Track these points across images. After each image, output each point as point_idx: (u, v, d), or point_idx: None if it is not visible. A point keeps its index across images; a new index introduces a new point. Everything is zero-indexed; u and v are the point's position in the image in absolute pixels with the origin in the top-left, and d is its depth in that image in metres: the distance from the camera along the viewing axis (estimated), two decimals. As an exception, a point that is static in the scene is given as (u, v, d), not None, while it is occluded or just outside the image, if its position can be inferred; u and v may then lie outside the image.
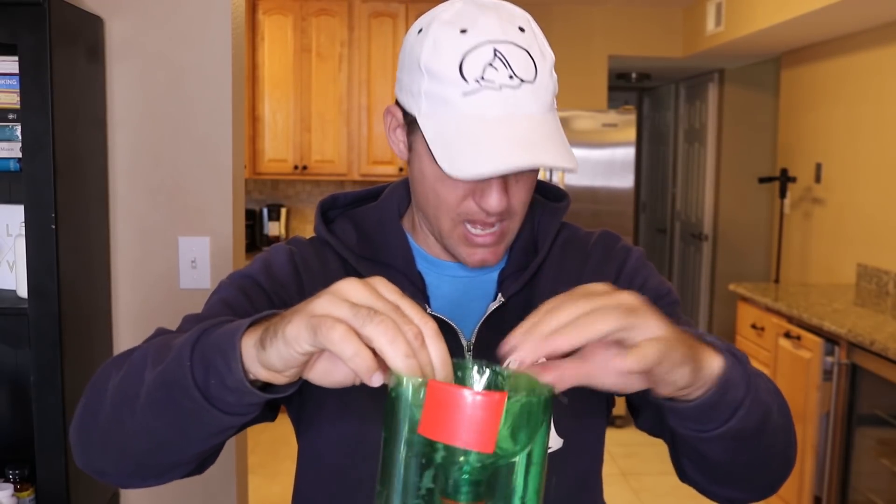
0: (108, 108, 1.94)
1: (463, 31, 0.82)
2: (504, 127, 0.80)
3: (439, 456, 0.56)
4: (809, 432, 3.13)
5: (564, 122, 4.75)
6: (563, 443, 0.96)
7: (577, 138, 4.77)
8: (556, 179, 4.76)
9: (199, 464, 0.79)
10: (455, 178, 0.81)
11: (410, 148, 0.90)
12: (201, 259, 1.97)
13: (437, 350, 0.60)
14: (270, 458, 3.52)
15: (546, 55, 0.85)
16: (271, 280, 0.93)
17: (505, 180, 0.86)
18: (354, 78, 4.55)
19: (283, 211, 4.86)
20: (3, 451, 1.94)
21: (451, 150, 0.81)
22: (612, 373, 0.66)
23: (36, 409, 1.67)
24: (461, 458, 0.56)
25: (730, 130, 5.80)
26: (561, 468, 0.96)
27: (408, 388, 0.57)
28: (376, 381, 0.58)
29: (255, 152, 4.58)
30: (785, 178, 4.68)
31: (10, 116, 1.69)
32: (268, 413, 0.89)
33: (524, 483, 0.59)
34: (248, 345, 0.64)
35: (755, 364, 3.67)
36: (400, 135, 0.91)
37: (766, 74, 5.64)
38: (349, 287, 0.62)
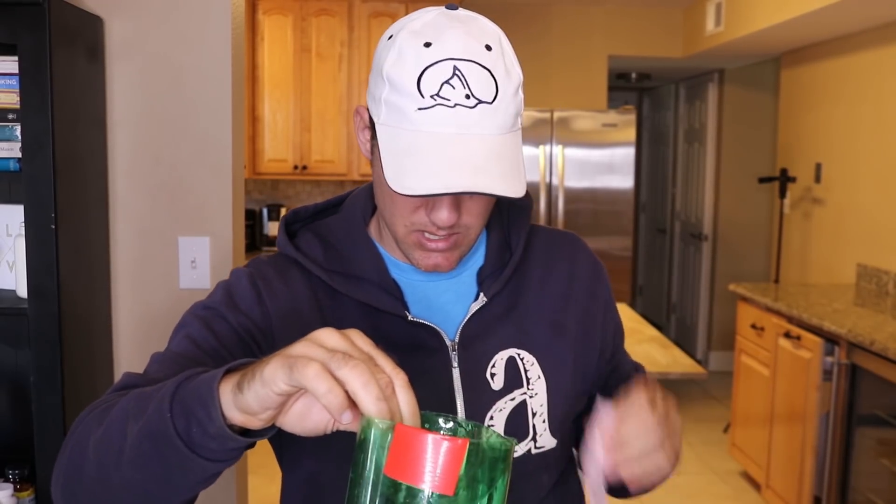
0: (108, 108, 1.94)
1: (427, 45, 0.82)
2: (453, 147, 0.80)
3: (402, 497, 0.58)
4: (809, 432, 3.13)
5: (564, 122, 4.76)
6: (556, 442, 0.98)
7: (577, 138, 4.77)
8: (555, 182, 4.76)
9: None
10: (394, 193, 0.83)
11: (373, 151, 0.90)
12: (201, 259, 1.97)
13: (406, 400, 0.62)
14: (270, 458, 3.50)
15: (512, 75, 0.84)
16: (234, 310, 0.91)
17: (457, 197, 0.86)
18: (354, 78, 4.55)
19: (283, 211, 4.86)
20: (3, 451, 1.94)
21: (398, 163, 0.81)
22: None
23: (36, 409, 1.67)
24: (423, 502, 0.58)
25: (730, 130, 5.80)
26: (553, 465, 0.99)
27: (376, 431, 0.59)
28: (346, 418, 0.60)
29: (255, 152, 4.58)
30: (785, 178, 4.68)
31: (10, 116, 1.69)
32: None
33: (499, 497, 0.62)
34: (226, 390, 0.65)
35: (754, 365, 3.67)
36: (367, 135, 0.92)
37: (766, 74, 5.64)
38: (326, 335, 0.64)
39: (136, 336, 1.98)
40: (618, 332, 1.11)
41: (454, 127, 0.81)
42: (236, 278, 0.95)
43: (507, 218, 1.03)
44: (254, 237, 4.85)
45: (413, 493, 0.58)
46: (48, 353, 1.65)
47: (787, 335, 3.30)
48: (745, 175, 5.69)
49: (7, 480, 1.76)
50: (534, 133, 4.70)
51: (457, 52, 0.81)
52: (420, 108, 0.81)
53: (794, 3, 3.77)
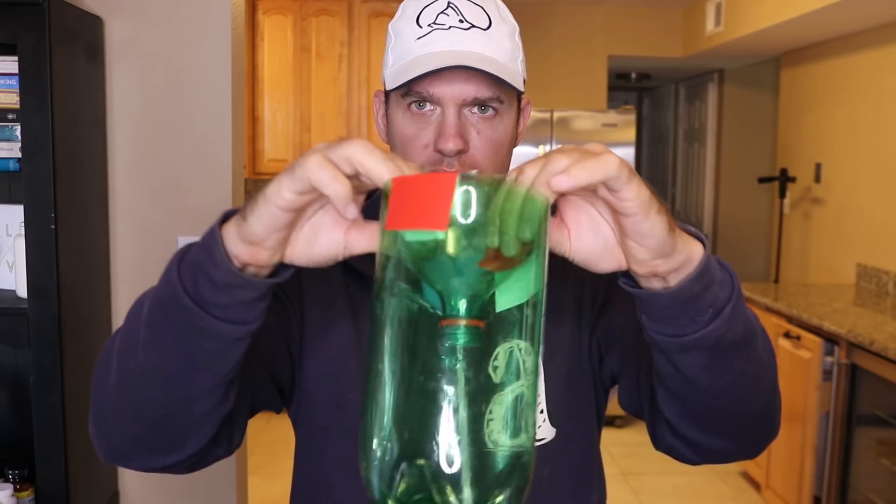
0: (108, 108, 1.94)
1: None
2: (446, 53, 0.86)
3: (436, 275, 0.58)
4: (809, 432, 3.13)
5: (564, 122, 4.76)
6: (556, 432, 0.96)
7: (577, 138, 4.77)
8: (555, 179, 4.76)
9: (216, 436, 0.76)
10: (392, 89, 0.90)
11: (388, 130, 0.96)
12: (201, 259, 1.96)
13: (405, 161, 0.63)
14: (270, 458, 3.52)
15: (506, 20, 0.91)
16: None
17: (461, 126, 0.88)
18: (354, 78, 4.55)
19: (283, 211, 4.86)
20: (3, 451, 1.94)
21: (399, 77, 0.89)
22: (587, 216, 0.67)
23: (36, 409, 1.67)
24: (455, 276, 0.57)
25: (730, 130, 5.80)
26: (555, 458, 0.96)
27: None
28: (351, 212, 0.61)
29: (254, 152, 4.58)
30: (784, 178, 4.68)
31: (10, 116, 1.69)
32: (275, 396, 0.92)
33: (535, 275, 0.60)
34: (229, 228, 0.66)
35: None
36: (383, 112, 0.98)
37: (766, 74, 5.64)
38: (316, 144, 0.65)
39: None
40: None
41: (448, 44, 0.87)
42: None
43: None
44: (254, 237, 4.85)
45: (442, 268, 0.57)
46: (48, 353, 1.65)
47: (787, 335, 3.30)
48: (745, 175, 5.69)
49: (7, 480, 1.76)
50: (534, 133, 4.70)
51: None
52: (418, 38, 0.88)
53: (794, 3, 3.77)
